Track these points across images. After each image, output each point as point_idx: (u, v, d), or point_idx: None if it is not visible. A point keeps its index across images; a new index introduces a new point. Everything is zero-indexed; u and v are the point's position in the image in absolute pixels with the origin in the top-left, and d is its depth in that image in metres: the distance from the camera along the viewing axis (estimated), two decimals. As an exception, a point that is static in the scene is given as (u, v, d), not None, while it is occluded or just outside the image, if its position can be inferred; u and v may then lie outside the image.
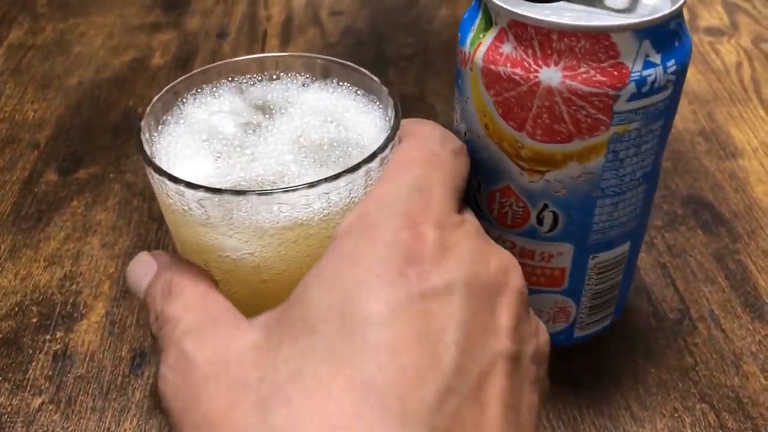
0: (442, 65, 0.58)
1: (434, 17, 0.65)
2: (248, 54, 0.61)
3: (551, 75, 0.25)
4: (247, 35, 0.63)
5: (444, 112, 0.52)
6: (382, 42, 0.62)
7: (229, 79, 0.30)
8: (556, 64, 0.25)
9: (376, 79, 0.29)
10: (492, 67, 0.27)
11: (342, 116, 0.29)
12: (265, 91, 0.30)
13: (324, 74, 0.30)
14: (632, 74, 0.25)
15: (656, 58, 0.26)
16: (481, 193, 0.30)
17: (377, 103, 0.29)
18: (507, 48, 0.26)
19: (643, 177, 0.29)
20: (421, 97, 0.54)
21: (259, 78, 0.31)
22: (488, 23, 0.27)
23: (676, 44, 0.26)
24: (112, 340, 0.36)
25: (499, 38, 0.26)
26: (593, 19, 0.26)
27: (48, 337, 0.36)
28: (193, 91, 0.29)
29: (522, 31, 0.26)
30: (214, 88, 0.30)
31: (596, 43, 0.25)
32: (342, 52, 0.60)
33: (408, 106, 0.53)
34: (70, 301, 0.38)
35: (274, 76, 0.31)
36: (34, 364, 0.35)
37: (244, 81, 0.30)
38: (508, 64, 0.26)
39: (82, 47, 0.62)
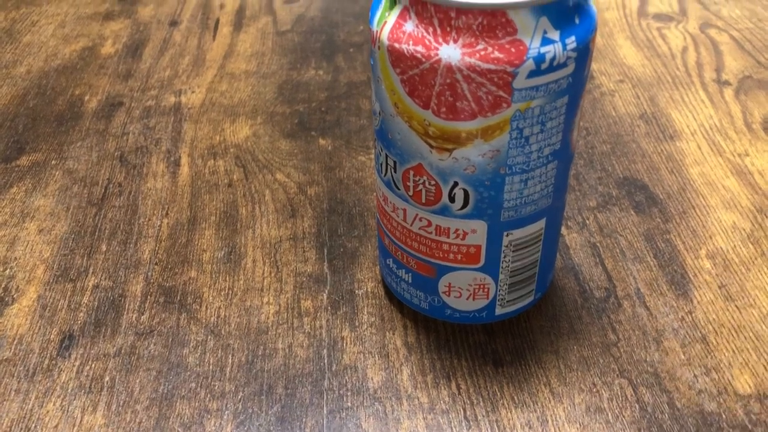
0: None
1: (387, 5, 0.65)
2: (199, 41, 0.61)
3: (451, 52, 0.26)
4: (200, 23, 0.63)
5: (389, 97, 0.52)
6: (332, 30, 0.62)
7: None
8: (455, 42, 0.26)
9: None
10: (396, 45, 0.27)
11: None
12: None
13: None
14: (530, 51, 0.26)
15: (555, 35, 0.26)
16: (397, 171, 0.30)
17: None
18: (409, 26, 0.27)
19: (552, 155, 0.29)
20: (368, 83, 0.55)
21: None
22: (393, 1, 0.27)
23: (577, 21, 0.27)
24: (42, 324, 0.36)
25: (402, 16, 0.27)
26: (493, -4, 0.26)
27: (-21, 321, 0.37)
28: None
29: (422, 8, 0.26)
30: None
31: (493, 20, 0.25)
32: (293, 39, 0.60)
33: (355, 91, 0.54)
34: (2, 286, 0.38)
35: None
36: (-37, 348, 0.35)
37: None
38: (410, 42, 0.26)
39: (33, 36, 0.62)
